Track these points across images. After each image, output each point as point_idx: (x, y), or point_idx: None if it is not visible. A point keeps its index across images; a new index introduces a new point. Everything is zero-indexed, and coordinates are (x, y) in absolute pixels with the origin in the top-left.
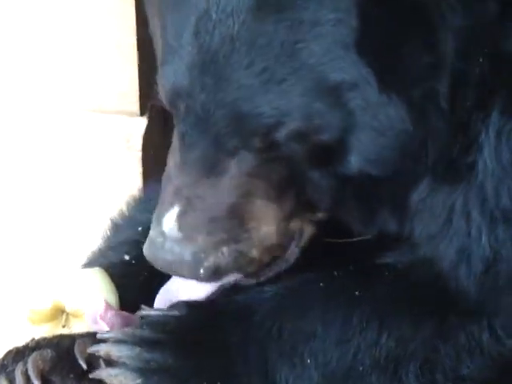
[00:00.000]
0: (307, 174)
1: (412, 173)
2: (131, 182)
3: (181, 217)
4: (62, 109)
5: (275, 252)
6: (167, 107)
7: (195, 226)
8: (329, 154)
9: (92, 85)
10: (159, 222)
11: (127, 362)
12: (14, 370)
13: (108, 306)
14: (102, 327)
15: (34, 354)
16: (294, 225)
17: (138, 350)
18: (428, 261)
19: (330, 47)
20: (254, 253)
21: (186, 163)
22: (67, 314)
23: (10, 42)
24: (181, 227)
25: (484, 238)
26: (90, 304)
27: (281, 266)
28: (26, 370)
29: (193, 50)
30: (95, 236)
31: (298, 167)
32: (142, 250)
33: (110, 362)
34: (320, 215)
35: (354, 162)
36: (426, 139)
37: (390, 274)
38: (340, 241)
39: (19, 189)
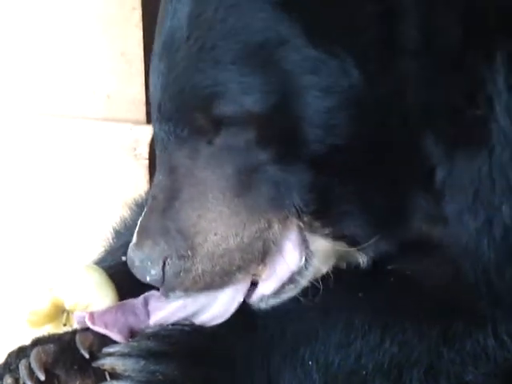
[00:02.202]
0: (270, 170)
1: (408, 133)
2: (138, 189)
3: (141, 221)
4: (69, 117)
5: (229, 260)
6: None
7: (146, 231)
8: (282, 140)
9: (99, 93)
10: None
11: (132, 374)
12: (17, 367)
13: (91, 313)
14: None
15: (36, 349)
16: (273, 231)
17: (143, 362)
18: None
19: (259, 7)
20: (202, 269)
21: (157, 164)
22: (67, 312)
23: (14, 50)
24: (137, 233)
25: (505, 207)
26: (86, 300)
27: (299, 283)
28: (30, 365)
29: (159, 39)
30: (100, 244)
31: (256, 159)
32: None
33: (114, 375)
34: (312, 221)
35: (309, 133)
36: (399, 89)
37: (395, 279)
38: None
39: (25, 196)
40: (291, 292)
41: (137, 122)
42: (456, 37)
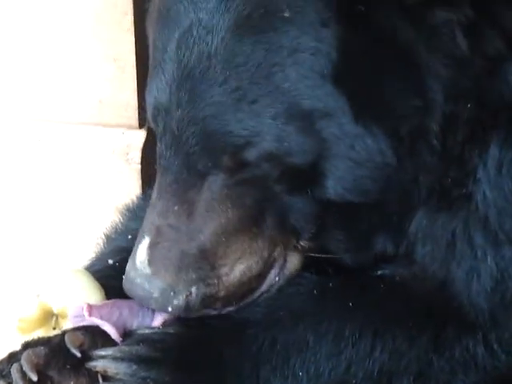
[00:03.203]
0: (284, 199)
1: (403, 203)
2: (130, 194)
3: (151, 249)
4: (61, 122)
5: (251, 285)
6: (151, 125)
7: (165, 260)
8: (304, 178)
9: (90, 98)
10: (134, 255)
11: (124, 378)
12: (10, 372)
13: (89, 304)
14: (91, 323)
15: (27, 352)
16: (276, 254)
17: (134, 367)
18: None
19: (306, 74)
20: (225, 293)
21: (161, 188)
22: (56, 316)
23: (5, 56)
24: (150, 262)
25: (490, 259)
26: (74, 304)
27: (261, 294)
28: (21, 368)
29: (173, 65)
30: (91, 249)
31: (272, 191)
32: (126, 255)
33: (107, 377)
34: (305, 243)
35: (331, 188)
36: (417, 174)
37: (385, 286)
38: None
39: (16, 200)
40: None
41: (129, 127)
42: (462, 136)
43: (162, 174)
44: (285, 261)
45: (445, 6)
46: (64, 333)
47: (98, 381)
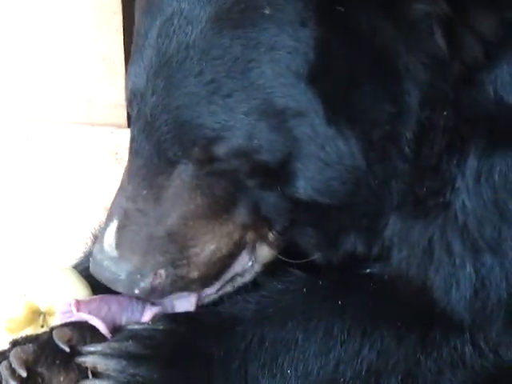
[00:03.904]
0: (255, 193)
1: (374, 207)
2: None
3: (119, 233)
4: (49, 121)
5: (223, 264)
6: (128, 109)
7: (132, 243)
8: (275, 177)
9: (80, 97)
10: (101, 237)
11: (113, 374)
12: None
13: (77, 300)
14: (80, 318)
15: (15, 349)
16: (247, 238)
17: (124, 363)
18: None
19: (282, 72)
20: (195, 274)
21: (130, 172)
22: (44, 314)
23: None
24: (118, 245)
25: (469, 266)
26: (61, 301)
27: (237, 282)
28: (11, 365)
29: (152, 52)
30: (80, 248)
31: (243, 184)
32: None
33: (96, 373)
34: (276, 235)
35: (301, 188)
36: (388, 179)
37: (374, 284)
38: (298, 262)
39: (4, 199)
40: (228, 289)
41: (118, 126)
42: (439, 147)
43: (132, 158)
44: (255, 245)
45: None
46: (52, 329)
47: (87, 376)
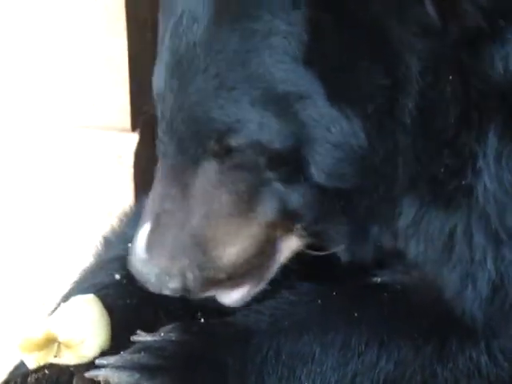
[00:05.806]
0: (278, 186)
1: (384, 189)
2: (123, 198)
3: (150, 235)
4: (53, 125)
5: (253, 264)
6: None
7: (160, 246)
8: (291, 166)
9: (83, 101)
10: (135, 240)
11: None
12: None
13: None
14: None
15: None
16: (275, 235)
17: (137, 376)
18: (428, 283)
19: (279, 58)
20: (223, 275)
21: (161, 173)
22: (59, 344)
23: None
24: (148, 247)
25: (489, 262)
26: (80, 336)
27: (258, 285)
28: None
29: (168, 54)
30: (87, 252)
31: (265, 178)
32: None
33: None
34: (304, 227)
35: (315, 174)
36: (393, 156)
37: (388, 294)
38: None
39: (9, 204)
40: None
41: (122, 130)
42: (453, 117)
43: (160, 160)
44: (280, 245)
45: None
46: (72, 371)
47: None
